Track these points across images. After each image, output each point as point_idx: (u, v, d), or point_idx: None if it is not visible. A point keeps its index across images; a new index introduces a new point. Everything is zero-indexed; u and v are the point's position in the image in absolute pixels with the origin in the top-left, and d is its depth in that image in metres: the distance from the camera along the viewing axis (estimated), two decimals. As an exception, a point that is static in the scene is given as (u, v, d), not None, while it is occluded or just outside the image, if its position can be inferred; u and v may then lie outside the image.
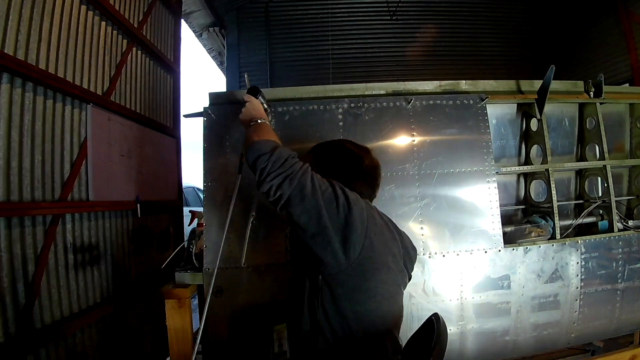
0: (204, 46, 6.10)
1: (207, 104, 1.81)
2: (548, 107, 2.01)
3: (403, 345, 1.12)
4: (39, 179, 1.83)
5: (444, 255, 1.77)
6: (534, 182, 2.10)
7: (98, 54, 2.31)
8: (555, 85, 1.95)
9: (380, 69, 5.74)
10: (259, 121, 1.25)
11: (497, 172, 1.87)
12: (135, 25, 2.74)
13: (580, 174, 2.21)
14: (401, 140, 1.84)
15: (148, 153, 2.85)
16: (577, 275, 1.90)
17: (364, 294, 1.02)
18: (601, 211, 2.06)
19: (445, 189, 1.81)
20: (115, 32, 2.51)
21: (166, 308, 1.68)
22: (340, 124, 1.81)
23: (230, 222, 1.71)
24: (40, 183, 1.84)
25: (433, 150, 1.84)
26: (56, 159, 1.96)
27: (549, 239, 1.90)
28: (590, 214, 2.05)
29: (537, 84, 2.00)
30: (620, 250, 1.97)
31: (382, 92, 1.91)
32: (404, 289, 1.20)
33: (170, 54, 3.39)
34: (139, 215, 2.63)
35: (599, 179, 2.12)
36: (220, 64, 6.37)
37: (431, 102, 1.88)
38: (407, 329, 1.71)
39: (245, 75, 1.71)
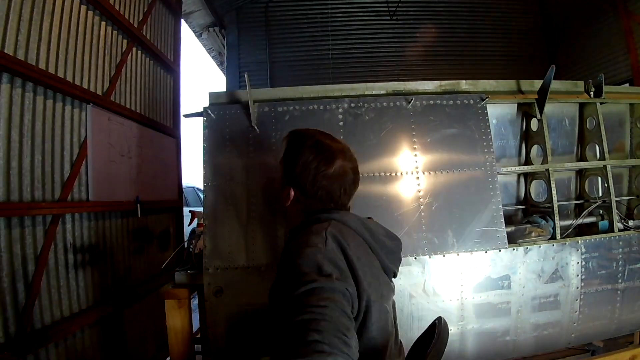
0: (204, 46, 6.11)
1: (207, 104, 1.81)
2: (548, 107, 2.01)
3: (408, 350, 1.09)
4: (39, 179, 1.83)
5: (444, 256, 1.77)
6: (534, 182, 2.10)
7: (98, 54, 2.31)
8: (555, 85, 1.95)
9: (380, 69, 5.74)
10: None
11: (497, 172, 1.86)
12: (135, 25, 2.74)
13: (580, 174, 2.21)
14: (401, 140, 1.83)
15: (148, 153, 2.85)
16: (578, 275, 1.90)
17: (361, 340, 0.87)
18: (601, 211, 2.05)
19: (445, 189, 1.81)
20: (115, 32, 2.51)
21: (166, 308, 1.68)
22: (341, 123, 1.81)
23: (230, 222, 1.72)
24: (40, 183, 1.84)
25: (433, 150, 1.84)
26: (56, 159, 1.96)
27: (549, 239, 1.90)
28: (590, 214, 2.05)
29: (538, 83, 2.00)
30: (620, 250, 1.97)
31: (382, 92, 1.91)
32: (393, 295, 1.08)
33: (170, 54, 3.40)
34: (139, 215, 2.63)
35: (599, 179, 2.12)
36: (220, 64, 6.37)
37: (431, 102, 1.88)
38: (408, 329, 1.71)
39: (245, 75, 1.71)
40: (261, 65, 5.63)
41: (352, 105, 1.83)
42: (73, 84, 2.06)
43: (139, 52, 2.84)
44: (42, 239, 1.84)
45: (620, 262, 1.97)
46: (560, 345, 1.97)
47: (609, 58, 4.87)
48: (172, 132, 3.36)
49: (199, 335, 2.35)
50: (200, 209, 1.85)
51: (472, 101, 1.89)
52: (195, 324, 2.19)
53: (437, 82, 1.96)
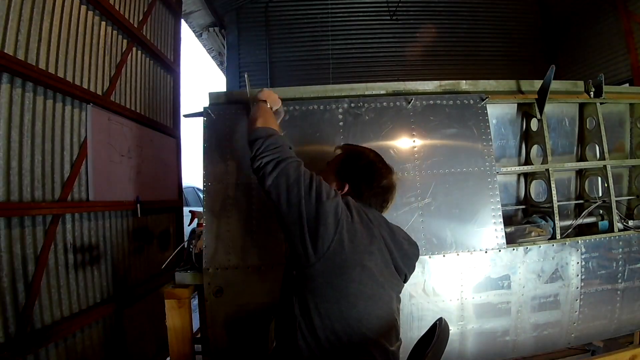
0: (204, 46, 6.11)
1: (207, 104, 1.81)
2: (548, 107, 2.01)
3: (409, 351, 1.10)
4: (39, 179, 1.83)
5: (444, 256, 1.77)
6: (534, 182, 2.10)
7: (98, 54, 2.31)
8: (555, 85, 1.95)
9: (380, 69, 5.74)
10: (267, 104, 1.40)
11: (497, 172, 1.87)
12: (135, 25, 2.74)
13: (580, 174, 2.21)
14: (401, 140, 1.83)
15: (148, 153, 2.85)
16: (577, 275, 1.90)
17: (335, 291, 1.03)
18: (601, 211, 2.05)
19: (445, 189, 1.81)
20: (115, 32, 2.51)
21: (166, 308, 1.68)
22: (341, 123, 1.81)
23: (230, 222, 1.72)
24: (40, 183, 1.84)
25: (433, 150, 1.84)
26: (56, 159, 1.96)
27: (549, 239, 1.90)
28: (590, 214, 2.05)
29: (538, 83, 2.00)
30: (620, 250, 1.97)
31: (382, 92, 1.91)
32: (398, 292, 1.17)
33: (170, 54, 3.39)
34: (139, 215, 2.63)
35: (599, 179, 2.12)
36: (220, 64, 6.37)
37: (431, 102, 1.88)
38: (408, 329, 1.71)
39: (245, 75, 1.71)
40: (261, 65, 5.63)
41: (352, 105, 1.83)
42: (73, 84, 2.06)
43: (139, 52, 2.84)
44: (42, 239, 1.84)
45: (620, 262, 1.97)
46: (560, 345, 1.97)
47: (609, 58, 4.87)
48: (172, 132, 3.36)
49: (199, 335, 2.35)
50: (200, 209, 1.85)
51: (472, 101, 1.89)
52: (195, 324, 2.19)
53: (437, 82, 1.96)
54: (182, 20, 3.86)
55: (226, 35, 5.75)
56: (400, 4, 5.56)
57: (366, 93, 1.90)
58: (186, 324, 1.69)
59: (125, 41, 2.64)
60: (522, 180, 2.16)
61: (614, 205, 2.00)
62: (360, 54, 5.76)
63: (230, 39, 5.72)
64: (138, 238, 2.73)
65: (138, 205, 2.60)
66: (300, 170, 1.12)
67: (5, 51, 1.62)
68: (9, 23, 1.65)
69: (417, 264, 1.27)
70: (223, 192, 1.73)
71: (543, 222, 1.94)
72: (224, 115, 1.78)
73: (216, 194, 1.73)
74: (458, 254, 1.77)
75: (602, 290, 1.94)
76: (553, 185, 1.94)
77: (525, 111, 2.08)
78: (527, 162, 2.10)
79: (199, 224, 1.88)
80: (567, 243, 1.90)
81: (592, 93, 2.09)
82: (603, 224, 2.03)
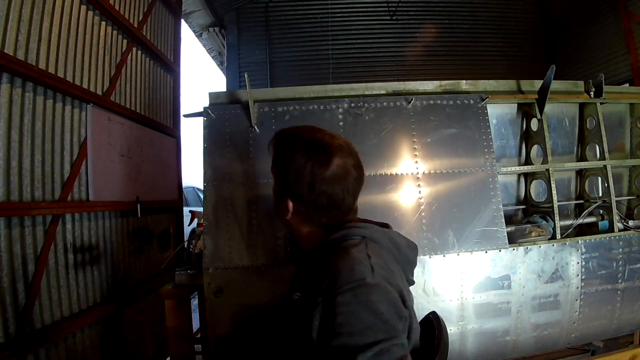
0: (204, 46, 6.11)
1: (207, 104, 1.81)
2: (548, 107, 2.01)
3: None
4: (39, 179, 1.83)
5: (444, 256, 1.77)
6: (534, 182, 2.10)
7: (98, 54, 2.31)
8: (555, 85, 1.95)
9: (380, 69, 5.74)
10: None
11: (497, 172, 1.86)
12: (135, 25, 2.74)
13: (580, 174, 2.21)
14: (401, 140, 1.83)
15: (148, 153, 2.85)
16: (578, 275, 1.90)
17: None
18: (601, 211, 2.05)
19: (445, 189, 1.81)
20: (115, 32, 2.51)
21: (166, 308, 1.68)
22: (341, 123, 1.81)
23: (230, 222, 1.72)
24: (40, 183, 1.84)
25: (433, 150, 1.84)
26: (56, 159, 1.96)
27: (550, 239, 1.89)
28: (590, 214, 2.05)
29: (538, 83, 2.00)
30: (620, 250, 1.97)
31: (382, 92, 1.91)
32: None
33: (170, 54, 3.40)
34: (139, 215, 2.63)
35: (599, 179, 2.12)
36: (220, 64, 6.37)
37: (431, 102, 1.88)
38: (408, 329, 1.71)
39: (245, 75, 1.71)
40: (261, 65, 5.63)
41: (352, 105, 1.83)
42: (73, 84, 2.06)
43: (139, 52, 2.84)
44: (42, 239, 1.84)
45: (620, 262, 1.96)
46: (560, 345, 1.97)
47: (609, 58, 4.87)
48: (172, 132, 3.36)
49: (199, 335, 2.35)
50: (200, 209, 1.85)
51: (472, 101, 1.89)
52: (195, 324, 2.20)
53: (437, 82, 1.96)
54: (182, 20, 3.86)
55: (226, 35, 5.75)
56: (400, 4, 5.56)
57: (366, 93, 1.90)
58: (186, 324, 1.69)
59: (125, 41, 2.64)
60: (522, 180, 2.16)
61: (614, 205, 1.99)
62: (360, 54, 5.75)
63: (230, 39, 5.72)
64: (138, 238, 2.73)
65: (138, 205, 2.59)
66: None
67: (5, 51, 1.62)
68: (9, 23, 1.65)
69: (417, 264, 1.24)
70: (223, 192, 1.73)
71: (543, 222, 1.94)
72: (224, 115, 1.78)
73: (216, 194, 1.73)
74: (458, 254, 1.77)
75: (602, 290, 1.94)
76: (553, 185, 1.94)
77: (526, 111, 2.08)
78: (527, 162, 2.10)
79: (199, 224, 1.88)
80: (567, 243, 1.90)
81: (592, 93, 2.08)
82: (603, 224, 2.03)
